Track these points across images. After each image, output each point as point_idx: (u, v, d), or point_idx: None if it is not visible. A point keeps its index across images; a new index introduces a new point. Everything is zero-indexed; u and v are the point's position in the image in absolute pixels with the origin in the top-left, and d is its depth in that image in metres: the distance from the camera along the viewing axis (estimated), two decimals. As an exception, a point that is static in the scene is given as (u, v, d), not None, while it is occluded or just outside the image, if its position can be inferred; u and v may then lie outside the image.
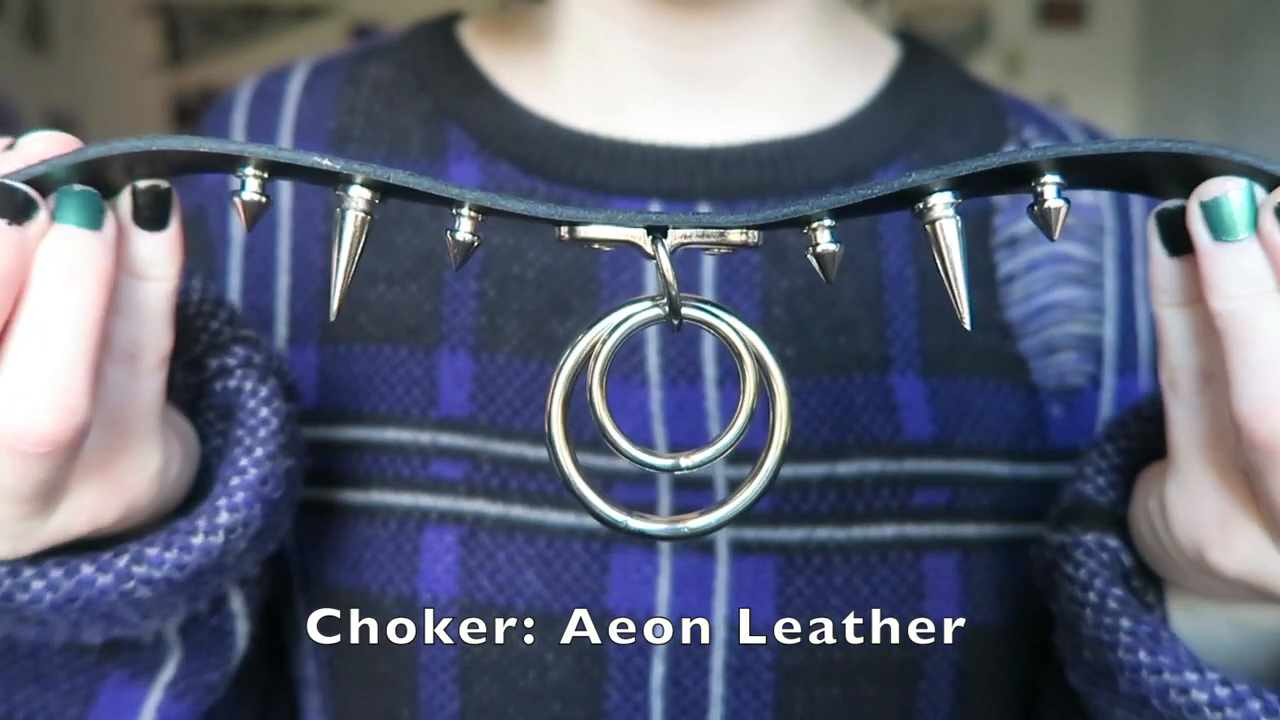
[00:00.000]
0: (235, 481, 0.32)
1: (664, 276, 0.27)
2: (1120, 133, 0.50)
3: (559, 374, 0.28)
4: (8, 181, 0.26)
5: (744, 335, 0.28)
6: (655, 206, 0.42)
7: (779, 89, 0.44)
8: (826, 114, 0.45)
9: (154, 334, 0.30)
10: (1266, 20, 2.01)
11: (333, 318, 0.27)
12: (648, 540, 0.29)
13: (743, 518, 0.39)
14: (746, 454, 0.39)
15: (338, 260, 0.27)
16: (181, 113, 2.40)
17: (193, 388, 0.35)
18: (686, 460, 0.28)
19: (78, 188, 0.27)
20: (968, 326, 0.27)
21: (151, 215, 0.29)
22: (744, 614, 0.39)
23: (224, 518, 0.32)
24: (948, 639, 0.39)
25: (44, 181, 0.27)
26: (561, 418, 0.28)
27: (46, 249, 0.26)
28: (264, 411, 0.34)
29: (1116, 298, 0.45)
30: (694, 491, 0.40)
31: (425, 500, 0.40)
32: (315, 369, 0.43)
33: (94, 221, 0.27)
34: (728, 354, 0.41)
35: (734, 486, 0.39)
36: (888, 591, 0.39)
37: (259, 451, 0.33)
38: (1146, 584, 0.33)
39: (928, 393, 0.41)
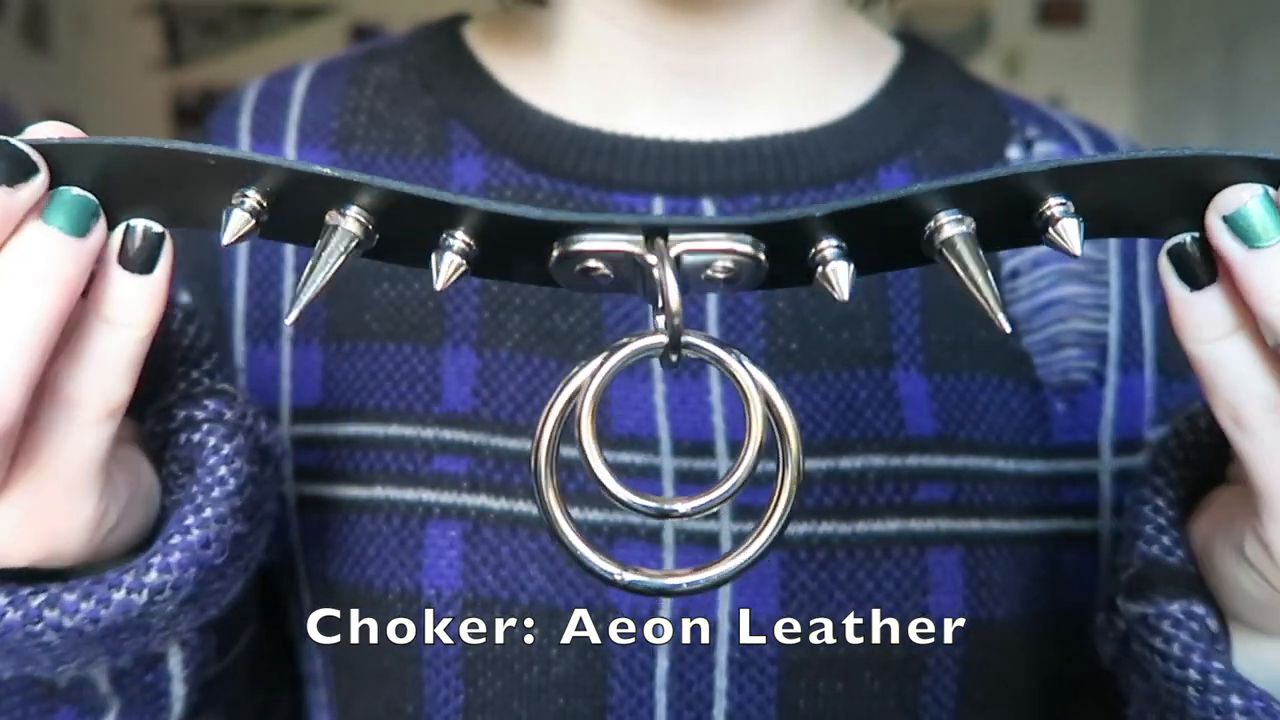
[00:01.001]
0: (175, 540, 0.31)
1: (665, 293, 0.25)
2: (1120, 133, 0.50)
3: (545, 420, 0.27)
4: (11, 141, 0.25)
5: (754, 375, 0.26)
6: (658, 202, 0.42)
7: (781, 90, 0.44)
8: (828, 112, 0.45)
9: (106, 385, 0.28)
10: (1266, 20, 2.01)
11: (288, 322, 0.27)
12: (639, 592, 0.27)
13: (739, 509, 0.39)
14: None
15: (311, 274, 0.27)
16: (181, 113, 2.40)
17: (160, 436, 0.34)
18: (683, 506, 0.26)
19: (75, 190, 0.26)
20: (1007, 330, 0.26)
21: (138, 257, 0.27)
22: (744, 614, 0.39)
23: (152, 577, 0.30)
24: (950, 634, 0.39)
25: (50, 161, 0.26)
26: (548, 463, 0.26)
27: (23, 241, 0.25)
28: (222, 470, 0.32)
29: (1120, 295, 0.45)
30: (697, 484, 0.40)
31: (428, 495, 0.40)
32: (320, 367, 0.43)
33: (80, 228, 0.26)
34: (734, 345, 0.41)
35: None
36: (892, 586, 0.39)
37: (208, 512, 0.32)
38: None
39: (930, 388, 0.41)
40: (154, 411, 0.34)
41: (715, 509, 0.27)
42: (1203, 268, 0.27)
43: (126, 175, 0.27)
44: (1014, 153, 0.45)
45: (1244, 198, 0.26)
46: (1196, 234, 0.27)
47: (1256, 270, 0.26)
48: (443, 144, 0.44)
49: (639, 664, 0.39)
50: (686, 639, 0.39)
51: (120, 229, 0.27)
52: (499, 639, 0.39)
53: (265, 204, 0.27)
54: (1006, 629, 0.41)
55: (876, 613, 0.39)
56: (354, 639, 0.40)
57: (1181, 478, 0.34)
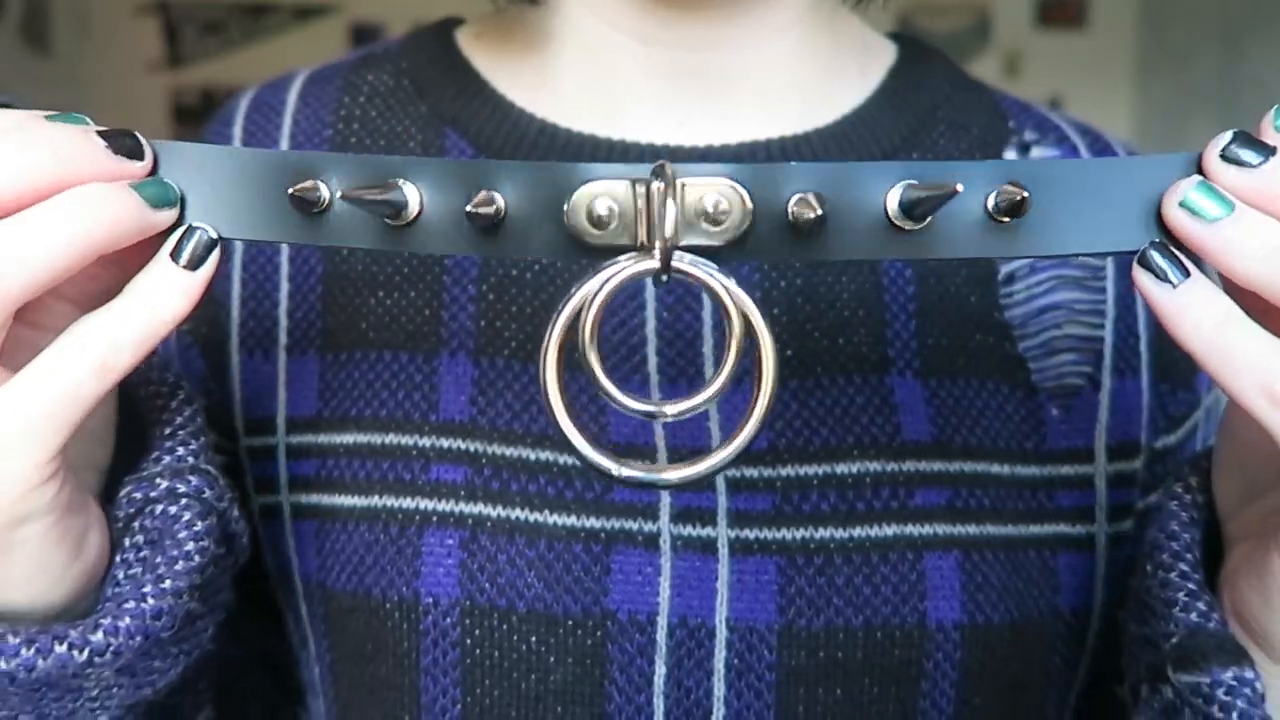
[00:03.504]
0: (129, 605, 0.31)
1: (666, 218, 0.27)
2: (1120, 133, 0.50)
3: (552, 329, 0.29)
4: (135, 134, 0.30)
5: (733, 294, 0.29)
6: None
7: (776, 91, 0.44)
8: (825, 114, 0.44)
9: (117, 343, 0.29)
10: (1266, 20, 2.01)
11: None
12: (628, 485, 0.30)
13: (736, 516, 0.39)
14: (744, 456, 0.40)
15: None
16: (181, 113, 2.41)
17: (136, 504, 0.34)
18: (671, 409, 0.29)
19: (168, 180, 0.30)
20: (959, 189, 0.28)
21: (189, 254, 0.30)
22: (745, 614, 0.39)
23: (98, 637, 0.30)
24: (949, 638, 0.39)
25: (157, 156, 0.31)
26: (556, 367, 0.29)
27: (110, 187, 0.29)
28: (190, 545, 0.33)
29: (1116, 300, 0.44)
30: (694, 489, 0.40)
31: (426, 503, 0.40)
32: (316, 376, 0.43)
33: (156, 203, 0.30)
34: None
35: (732, 483, 0.39)
36: (889, 591, 0.39)
37: (167, 584, 0.32)
38: None
39: (926, 393, 0.41)
40: (135, 479, 0.34)
41: (701, 409, 0.30)
42: (1174, 260, 0.28)
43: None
44: (1010, 155, 0.45)
45: (1189, 185, 0.28)
46: (1154, 239, 0.29)
47: (1227, 236, 0.27)
48: (436, 151, 0.44)
49: (637, 671, 0.39)
50: (684, 645, 0.39)
51: (181, 229, 0.30)
52: (497, 647, 0.39)
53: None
54: (1003, 633, 0.40)
55: (874, 618, 0.39)
56: (352, 647, 0.40)
57: (1194, 540, 0.34)
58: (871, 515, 0.40)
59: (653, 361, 0.41)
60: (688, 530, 0.39)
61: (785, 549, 0.39)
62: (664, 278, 0.29)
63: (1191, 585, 0.33)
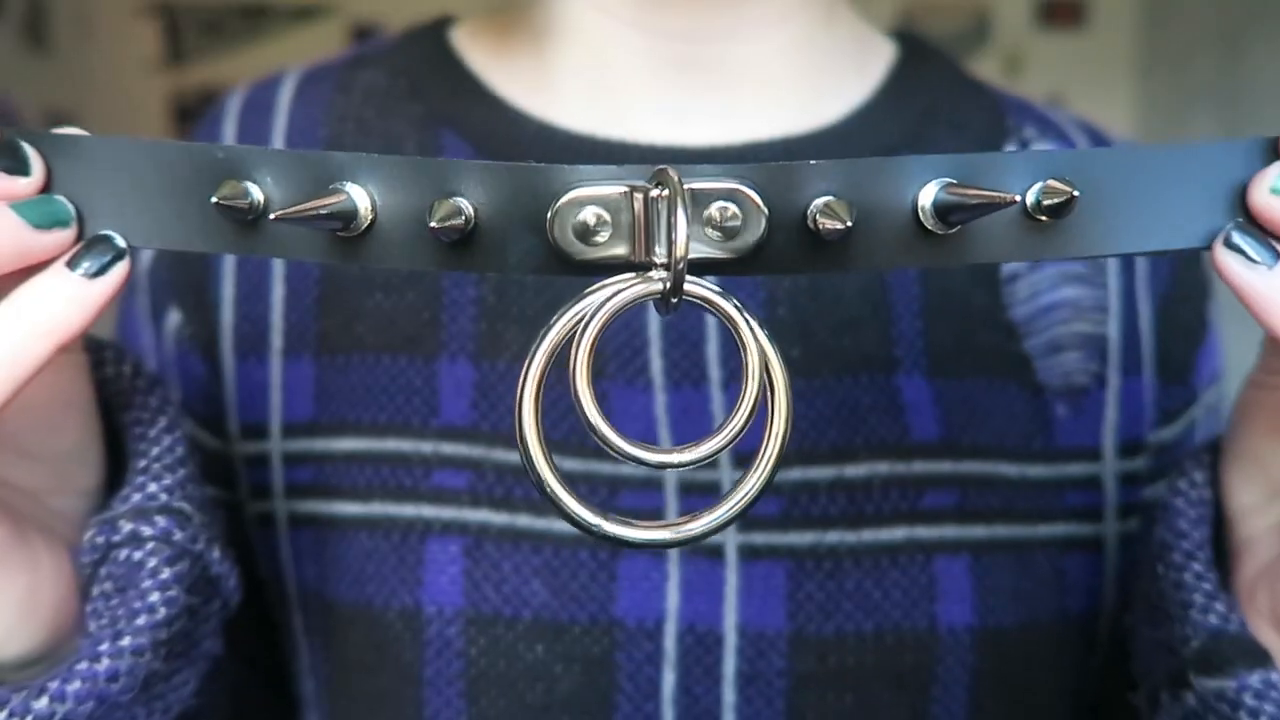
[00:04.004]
0: (80, 667, 0.29)
1: (678, 233, 0.24)
2: (1120, 132, 0.50)
3: (531, 361, 0.25)
4: (16, 139, 0.26)
5: (755, 331, 0.26)
6: None
7: (776, 87, 0.44)
8: (824, 114, 0.44)
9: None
10: (1266, 20, 2.01)
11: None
12: (623, 546, 0.27)
13: (744, 519, 0.39)
14: (753, 455, 0.39)
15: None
16: (181, 113, 2.40)
17: (100, 549, 0.31)
18: (681, 456, 0.25)
19: (60, 199, 0.27)
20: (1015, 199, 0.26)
21: (88, 261, 0.27)
22: (754, 620, 0.38)
23: (41, 704, 0.28)
24: (961, 641, 0.39)
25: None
26: (534, 411, 0.25)
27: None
28: (154, 596, 0.30)
29: (1120, 296, 0.44)
30: (700, 496, 0.39)
31: (428, 511, 0.39)
32: (312, 380, 0.42)
33: (41, 224, 0.27)
34: (733, 356, 0.40)
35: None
36: (899, 594, 0.39)
37: (125, 641, 0.29)
38: None
39: (934, 393, 0.41)
40: (100, 521, 0.32)
41: (714, 458, 0.26)
42: (1265, 243, 0.27)
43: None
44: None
45: (1276, 172, 0.27)
46: (1236, 221, 0.27)
47: None
48: (433, 151, 0.43)
49: (645, 679, 0.38)
50: (693, 652, 0.38)
51: (86, 240, 0.27)
52: (502, 656, 0.38)
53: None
54: (1015, 636, 0.40)
55: (885, 622, 0.38)
56: (351, 659, 0.39)
57: (1205, 538, 0.33)
58: (881, 518, 0.39)
59: (656, 365, 0.40)
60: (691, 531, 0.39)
61: (794, 553, 0.39)
62: (673, 300, 0.25)
63: (1207, 586, 0.32)
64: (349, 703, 0.41)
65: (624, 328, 0.41)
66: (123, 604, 0.30)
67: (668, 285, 0.25)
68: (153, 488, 0.32)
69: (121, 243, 0.28)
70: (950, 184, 0.26)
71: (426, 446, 0.40)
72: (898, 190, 0.26)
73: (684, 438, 0.40)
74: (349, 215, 0.26)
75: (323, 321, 0.42)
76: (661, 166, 0.25)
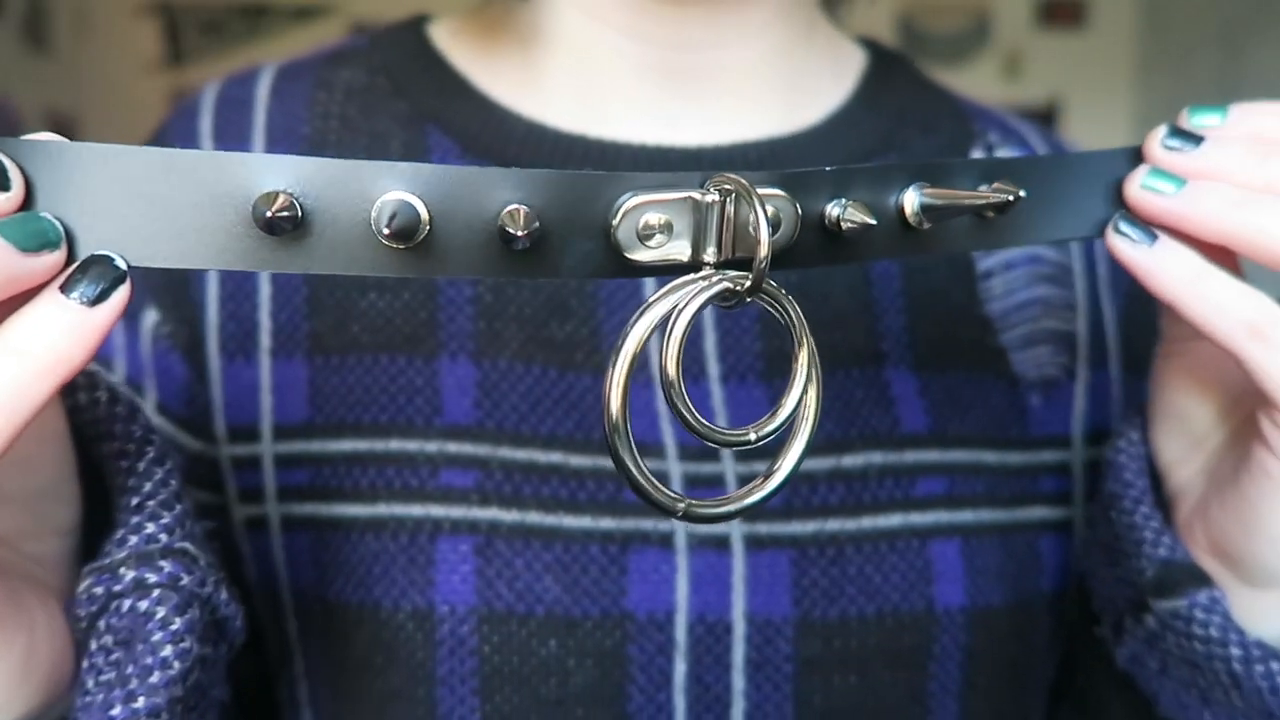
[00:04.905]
0: None
1: (761, 235, 0.25)
2: (1120, 133, 0.51)
3: (615, 365, 0.26)
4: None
5: (805, 323, 0.28)
6: None
7: (758, 92, 0.45)
8: (805, 116, 0.45)
9: None
10: (1266, 20, 2.01)
11: None
12: (706, 523, 0.28)
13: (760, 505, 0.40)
14: (752, 452, 0.40)
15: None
16: (181, 113, 2.40)
17: (99, 600, 0.29)
18: (754, 434, 0.28)
19: (45, 215, 0.24)
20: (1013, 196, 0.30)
21: (84, 287, 0.24)
22: (762, 608, 0.39)
23: None
24: (955, 621, 0.40)
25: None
26: (623, 411, 0.26)
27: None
28: (167, 650, 0.28)
29: (1085, 295, 0.47)
30: (706, 489, 0.40)
31: (437, 510, 0.39)
32: (306, 382, 0.41)
33: (28, 246, 0.24)
34: (730, 351, 0.41)
35: (745, 482, 0.40)
36: (898, 578, 0.40)
37: (140, 702, 0.27)
38: None
39: (920, 385, 0.43)
40: (96, 570, 0.29)
41: (780, 433, 0.28)
42: (1143, 226, 0.32)
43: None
44: (978, 156, 0.47)
45: (1144, 170, 0.32)
46: (1119, 212, 0.33)
47: (1187, 201, 0.31)
48: (420, 149, 0.43)
49: (657, 669, 0.39)
50: (703, 642, 0.39)
51: (80, 261, 0.24)
52: (516, 653, 0.38)
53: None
54: (1002, 615, 0.42)
55: (885, 605, 0.40)
56: (359, 661, 0.39)
57: (1147, 486, 0.37)
58: (878, 506, 0.41)
59: (655, 359, 0.41)
60: (701, 527, 0.39)
61: (797, 542, 0.40)
62: (748, 299, 0.27)
63: (1155, 524, 0.36)
64: (356, 704, 0.40)
65: (622, 325, 0.41)
66: (131, 659, 0.28)
67: (748, 284, 0.27)
68: (151, 528, 0.29)
69: (121, 263, 0.24)
70: (927, 187, 0.29)
71: (431, 446, 0.40)
72: (890, 193, 0.29)
73: (685, 433, 0.40)
74: (412, 229, 0.25)
75: (314, 322, 0.42)
76: (722, 174, 0.27)
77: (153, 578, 0.29)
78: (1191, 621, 0.35)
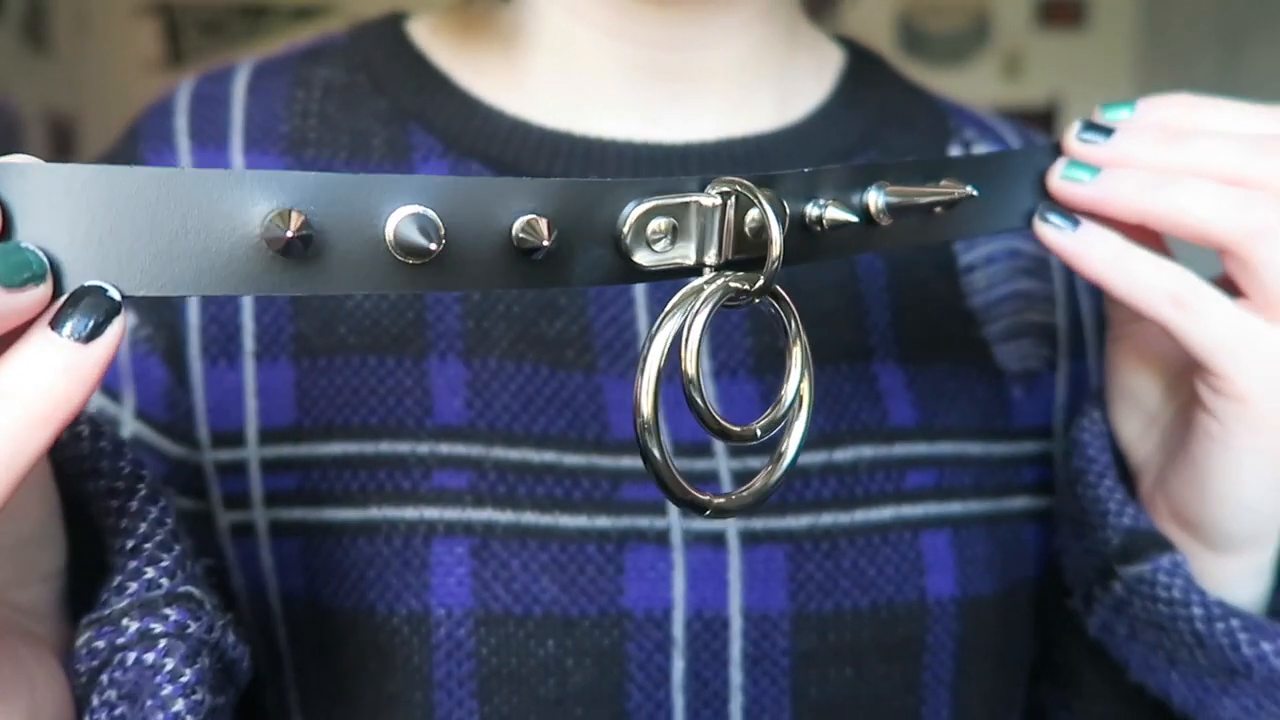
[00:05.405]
0: None
1: (773, 236, 0.26)
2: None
3: (644, 368, 0.26)
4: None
5: (802, 331, 0.29)
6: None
7: (743, 89, 0.45)
8: (788, 114, 0.46)
9: None
10: (1266, 20, 2.01)
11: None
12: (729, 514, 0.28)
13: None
14: (746, 448, 0.41)
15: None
16: (181, 113, 2.41)
17: (101, 654, 0.27)
18: (756, 426, 0.28)
19: (27, 245, 0.21)
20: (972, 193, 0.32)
21: (75, 321, 0.22)
22: (758, 602, 0.40)
23: None
24: (946, 611, 0.41)
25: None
26: (653, 414, 0.26)
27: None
28: (179, 705, 0.26)
29: (1064, 288, 0.47)
30: (701, 484, 0.40)
31: (430, 512, 0.39)
32: (292, 384, 0.41)
33: (9, 280, 0.21)
34: (721, 348, 0.41)
35: (739, 478, 0.40)
36: (892, 570, 0.41)
37: None
38: None
39: (906, 379, 0.43)
40: (95, 622, 0.27)
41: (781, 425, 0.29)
42: (1066, 213, 0.35)
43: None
44: (955, 153, 0.48)
45: (1063, 163, 0.35)
46: (1043, 203, 0.35)
47: (1104, 186, 0.34)
48: (403, 147, 0.42)
49: (656, 667, 0.39)
50: (701, 638, 0.39)
51: (69, 294, 0.22)
52: (514, 654, 0.38)
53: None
54: (990, 603, 0.42)
55: (880, 598, 0.40)
56: (353, 666, 0.39)
57: (1110, 461, 0.39)
58: (870, 499, 0.41)
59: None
60: (697, 524, 0.39)
61: (792, 536, 0.40)
62: (755, 301, 0.28)
63: (1119, 496, 0.38)
64: (351, 710, 0.40)
65: (612, 322, 0.41)
66: (140, 716, 0.26)
67: (758, 284, 0.27)
68: (151, 572, 0.28)
69: (115, 293, 0.22)
70: (888, 185, 0.31)
71: (423, 448, 0.39)
72: (852, 192, 0.31)
73: (680, 428, 0.40)
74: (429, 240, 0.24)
75: (298, 323, 0.41)
76: (729, 178, 0.27)
77: (158, 627, 0.27)
78: (1155, 585, 0.36)
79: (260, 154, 0.43)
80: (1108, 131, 0.35)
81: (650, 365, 0.26)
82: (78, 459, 0.29)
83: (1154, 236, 0.35)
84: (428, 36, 0.46)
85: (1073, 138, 0.35)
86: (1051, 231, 0.34)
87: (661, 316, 0.27)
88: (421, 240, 0.24)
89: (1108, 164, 0.34)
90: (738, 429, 0.28)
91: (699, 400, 0.26)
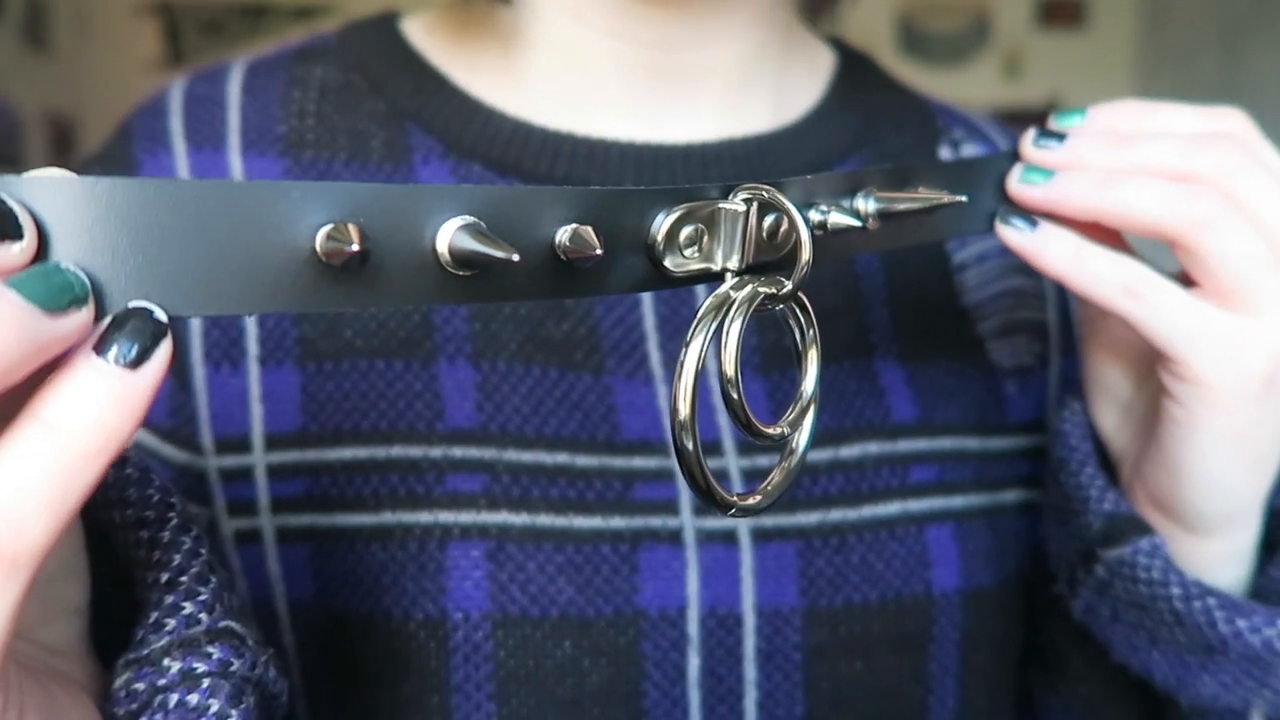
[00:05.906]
0: None
1: (802, 241, 0.27)
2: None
3: (682, 372, 0.26)
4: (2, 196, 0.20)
5: (818, 334, 0.30)
6: None
7: (742, 90, 0.45)
8: (785, 114, 0.46)
9: (14, 518, 0.20)
10: (1266, 20, 2.01)
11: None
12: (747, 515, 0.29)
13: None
14: (753, 446, 0.41)
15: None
16: (181, 113, 2.41)
17: (141, 697, 0.26)
18: (783, 423, 0.29)
19: (68, 266, 0.20)
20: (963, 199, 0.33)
21: (122, 345, 0.21)
22: (771, 599, 0.40)
23: None
24: (951, 603, 0.42)
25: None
26: (691, 416, 0.26)
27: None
28: None
29: (1054, 286, 0.49)
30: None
31: (445, 516, 0.38)
32: (298, 389, 0.40)
33: (54, 305, 0.20)
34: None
35: (748, 476, 0.40)
36: (899, 564, 0.41)
37: None
38: None
39: (906, 376, 0.44)
40: (134, 663, 0.26)
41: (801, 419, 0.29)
42: (1025, 214, 0.36)
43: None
44: (945, 152, 0.48)
45: (1020, 168, 0.36)
46: (1003, 206, 0.37)
47: (1059, 188, 0.35)
48: (402, 149, 0.42)
49: (671, 665, 0.39)
50: (715, 635, 0.40)
51: (113, 317, 0.21)
52: (531, 656, 0.38)
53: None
54: (992, 595, 0.43)
55: (888, 591, 0.41)
56: (367, 671, 0.39)
57: (1091, 449, 0.41)
58: (876, 494, 0.42)
59: (655, 357, 0.41)
60: (709, 522, 0.40)
61: (802, 533, 0.41)
62: (779, 307, 0.28)
63: (1100, 483, 0.40)
64: (365, 714, 0.40)
65: (619, 322, 0.41)
66: None
67: (787, 289, 0.28)
68: (189, 607, 0.26)
69: (161, 315, 0.21)
70: (876, 191, 0.32)
71: (436, 451, 0.39)
72: (845, 196, 0.32)
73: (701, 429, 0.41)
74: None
75: (303, 327, 0.40)
76: (751, 184, 0.28)
77: (201, 666, 0.26)
78: (1135, 566, 0.38)
79: (258, 156, 0.42)
80: (1061, 137, 0.36)
81: (688, 368, 0.26)
82: (103, 487, 0.27)
83: (1113, 235, 0.36)
84: (422, 36, 0.46)
85: (1029, 144, 0.37)
86: (1012, 233, 0.36)
87: (695, 322, 0.27)
88: (485, 249, 0.23)
89: (1061, 167, 0.36)
90: (768, 429, 0.28)
91: (736, 398, 0.27)
